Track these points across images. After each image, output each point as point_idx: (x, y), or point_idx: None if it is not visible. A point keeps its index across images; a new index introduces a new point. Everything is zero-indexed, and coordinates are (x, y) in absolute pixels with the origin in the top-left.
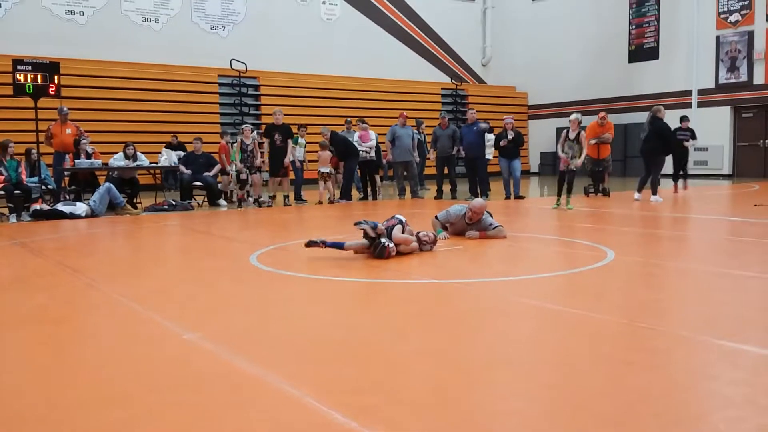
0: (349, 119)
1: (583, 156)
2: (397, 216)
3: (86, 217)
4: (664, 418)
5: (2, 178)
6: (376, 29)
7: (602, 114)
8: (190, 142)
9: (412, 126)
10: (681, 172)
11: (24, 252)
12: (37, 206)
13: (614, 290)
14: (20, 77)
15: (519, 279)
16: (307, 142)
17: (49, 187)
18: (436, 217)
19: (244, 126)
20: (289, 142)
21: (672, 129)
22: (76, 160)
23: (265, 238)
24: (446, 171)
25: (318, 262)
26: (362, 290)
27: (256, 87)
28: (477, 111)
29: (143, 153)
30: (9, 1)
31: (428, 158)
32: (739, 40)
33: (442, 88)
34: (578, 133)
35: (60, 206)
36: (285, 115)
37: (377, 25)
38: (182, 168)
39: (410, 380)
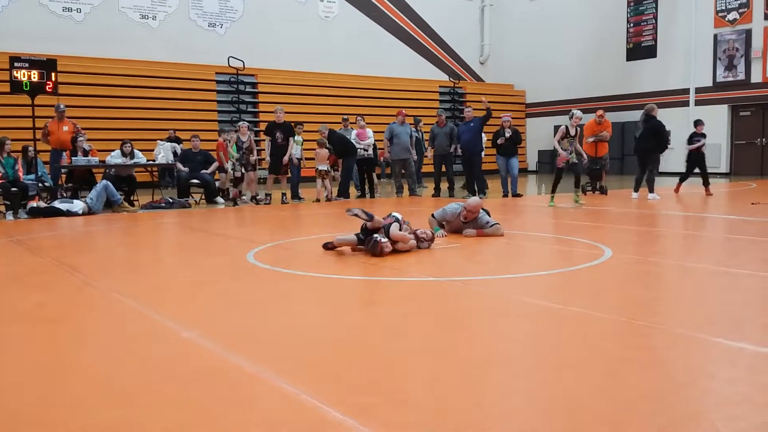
0: (346, 117)
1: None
2: (393, 214)
3: (83, 214)
4: (662, 416)
5: None
6: (374, 27)
7: (600, 112)
8: (188, 140)
9: (411, 124)
10: (702, 179)
11: (21, 250)
12: (34, 204)
13: (612, 288)
14: (17, 74)
15: (517, 277)
16: (303, 140)
17: (46, 184)
18: (432, 215)
19: (240, 123)
20: (291, 140)
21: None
22: (73, 158)
23: (262, 235)
24: (444, 169)
25: (316, 259)
26: (360, 288)
27: (254, 84)
28: (474, 109)
29: (140, 150)
30: None
31: (426, 156)
32: (737, 39)
33: (440, 86)
34: (577, 130)
35: (57, 204)
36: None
37: (375, 23)
38: (179, 165)
39: (409, 378)
